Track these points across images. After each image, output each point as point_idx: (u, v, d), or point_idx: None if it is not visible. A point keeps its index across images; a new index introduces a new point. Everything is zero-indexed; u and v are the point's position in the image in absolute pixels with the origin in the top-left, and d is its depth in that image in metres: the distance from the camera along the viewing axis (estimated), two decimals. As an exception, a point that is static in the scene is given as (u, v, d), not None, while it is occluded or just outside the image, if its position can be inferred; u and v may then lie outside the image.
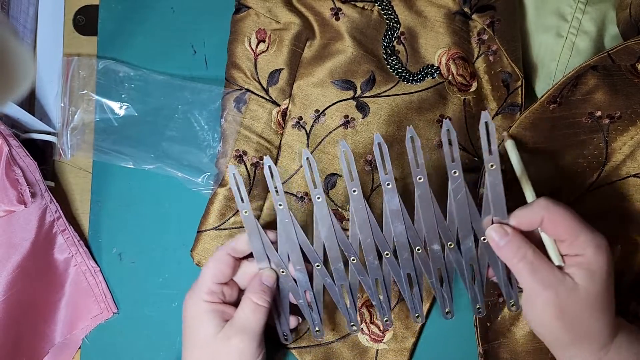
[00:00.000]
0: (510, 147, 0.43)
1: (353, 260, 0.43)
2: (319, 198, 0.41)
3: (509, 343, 0.47)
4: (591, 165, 0.46)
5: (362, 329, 0.48)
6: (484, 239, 0.41)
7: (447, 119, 0.39)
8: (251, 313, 0.41)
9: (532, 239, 0.40)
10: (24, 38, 0.52)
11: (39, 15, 0.54)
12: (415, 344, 0.48)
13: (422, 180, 0.40)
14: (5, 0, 0.50)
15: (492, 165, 0.39)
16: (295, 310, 0.46)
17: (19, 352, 0.48)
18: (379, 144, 0.39)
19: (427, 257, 0.43)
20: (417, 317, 0.45)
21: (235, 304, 0.43)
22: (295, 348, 0.48)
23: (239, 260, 0.44)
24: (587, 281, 0.37)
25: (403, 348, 0.48)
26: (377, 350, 0.48)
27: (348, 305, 0.44)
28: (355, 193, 0.41)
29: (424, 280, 0.44)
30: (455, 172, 0.40)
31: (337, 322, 0.48)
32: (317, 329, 0.45)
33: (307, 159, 0.40)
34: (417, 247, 0.42)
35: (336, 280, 0.43)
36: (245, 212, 0.41)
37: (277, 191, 0.41)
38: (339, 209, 0.48)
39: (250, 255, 0.44)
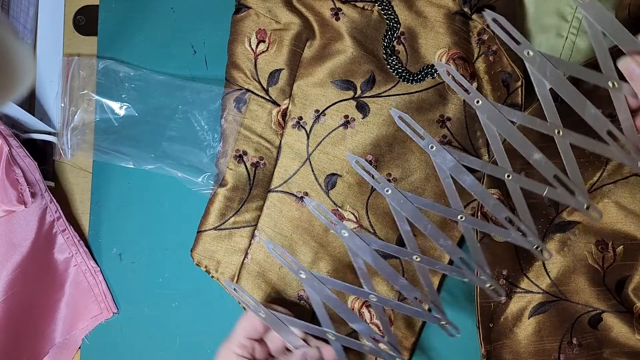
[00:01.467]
0: None
1: (417, 259, 0.41)
2: (345, 233, 0.40)
3: (512, 344, 0.47)
4: (593, 164, 0.46)
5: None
6: (612, 84, 0.37)
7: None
8: None
9: None
10: (24, 38, 0.52)
11: (39, 15, 0.54)
12: (415, 344, 0.48)
13: (479, 103, 0.38)
14: (5, 0, 0.50)
15: None
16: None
17: (19, 352, 0.48)
18: (399, 117, 0.38)
19: (527, 174, 0.40)
20: (537, 248, 0.40)
21: None
22: (295, 348, 0.48)
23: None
24: None
25: (403, 348, 0.48)
26: (377, 350, 0.48)
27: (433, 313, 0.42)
28: (389, 192, 0.40)
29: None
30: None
31: (337, 323, 0.48)
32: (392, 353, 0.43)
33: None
34: (507, 174, 0.39)
35: (407, 294, 0.42)
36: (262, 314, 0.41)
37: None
38: (339, 209, 0.48)
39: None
